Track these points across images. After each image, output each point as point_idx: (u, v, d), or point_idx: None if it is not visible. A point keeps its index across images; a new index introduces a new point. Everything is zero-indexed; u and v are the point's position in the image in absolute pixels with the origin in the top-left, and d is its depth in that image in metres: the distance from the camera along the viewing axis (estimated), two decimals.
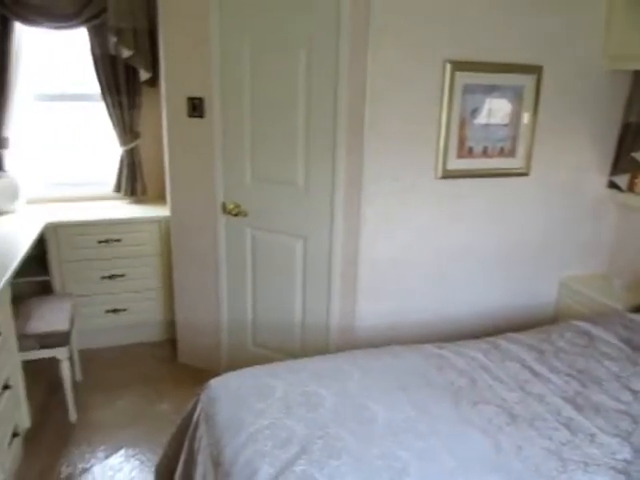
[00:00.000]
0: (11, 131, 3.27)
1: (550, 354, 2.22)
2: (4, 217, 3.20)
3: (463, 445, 1.67)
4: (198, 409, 1.95)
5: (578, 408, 1.88)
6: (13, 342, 2.37)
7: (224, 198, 2.82)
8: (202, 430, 1.84)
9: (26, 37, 3.19)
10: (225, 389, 1.93)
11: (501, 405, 1.88)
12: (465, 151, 2.62)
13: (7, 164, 3.31)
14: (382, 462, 1.57)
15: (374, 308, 2.71)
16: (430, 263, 2.75)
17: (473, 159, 2.65)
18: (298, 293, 2.79)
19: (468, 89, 2.55)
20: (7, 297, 2.31)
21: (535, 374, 2.08)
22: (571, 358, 2.19)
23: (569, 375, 2.07)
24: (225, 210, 2.83)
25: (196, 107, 2.75)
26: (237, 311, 2.99)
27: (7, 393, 2.19)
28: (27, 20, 3.08)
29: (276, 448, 1.61)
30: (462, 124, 2.58)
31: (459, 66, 2.48)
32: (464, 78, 2.52)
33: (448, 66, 2.47)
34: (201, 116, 2.75)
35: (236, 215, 2.80)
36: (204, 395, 1.96)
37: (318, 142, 2.53)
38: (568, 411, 1.86)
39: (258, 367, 2.10)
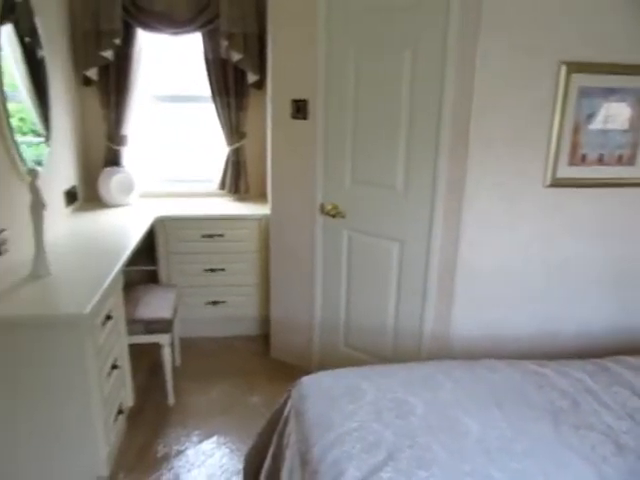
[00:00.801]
0: (130, 129, 3.53)
1: None
2: (120, 209, 3.45)
3: (562, 471, 1.57)
4: (289, 405, 1.99)
5: None
6: (123, 326, 2.55)
7: (323, 199, 2.86)
8: (292, 426, 1.87)
9: (146, 42, 3.42)
10: (316, 387, 1.95)
11: (606, 433, 1.75)
12: (578, 158, 2.46)
13: (125, 160, 3.57)
14: (472, 479, 1.51)
15: (471, 317, 2.62)
16: (533, 275, 2.61)
17: (586, 167, 2.48)
18: (392, 297, 2.76)
19: (584, 92, 2.39)
20: (119, 284, 2.48)
21: None
22: None
23: None
24: (323, 211, 2.86)
25: (300, 109, 2.80)
26: (330, 311, 3.01)
27: (115, 373, 2.36)
28: (148, 27, 3.31)
29: (363, 452, 1.60)
30: (576, 129, 2.42)
31: (575, 68, 2.34)
32: (580, 80, 2.36)
33: (563, 68, 2.33)
34: (304, 118, 2.80)
35: (334, 216, 2.83)
36: (295, 392, 1.99)
37: (420, 146, 2.49)
38: None
39: (350, 368, 2.10)
